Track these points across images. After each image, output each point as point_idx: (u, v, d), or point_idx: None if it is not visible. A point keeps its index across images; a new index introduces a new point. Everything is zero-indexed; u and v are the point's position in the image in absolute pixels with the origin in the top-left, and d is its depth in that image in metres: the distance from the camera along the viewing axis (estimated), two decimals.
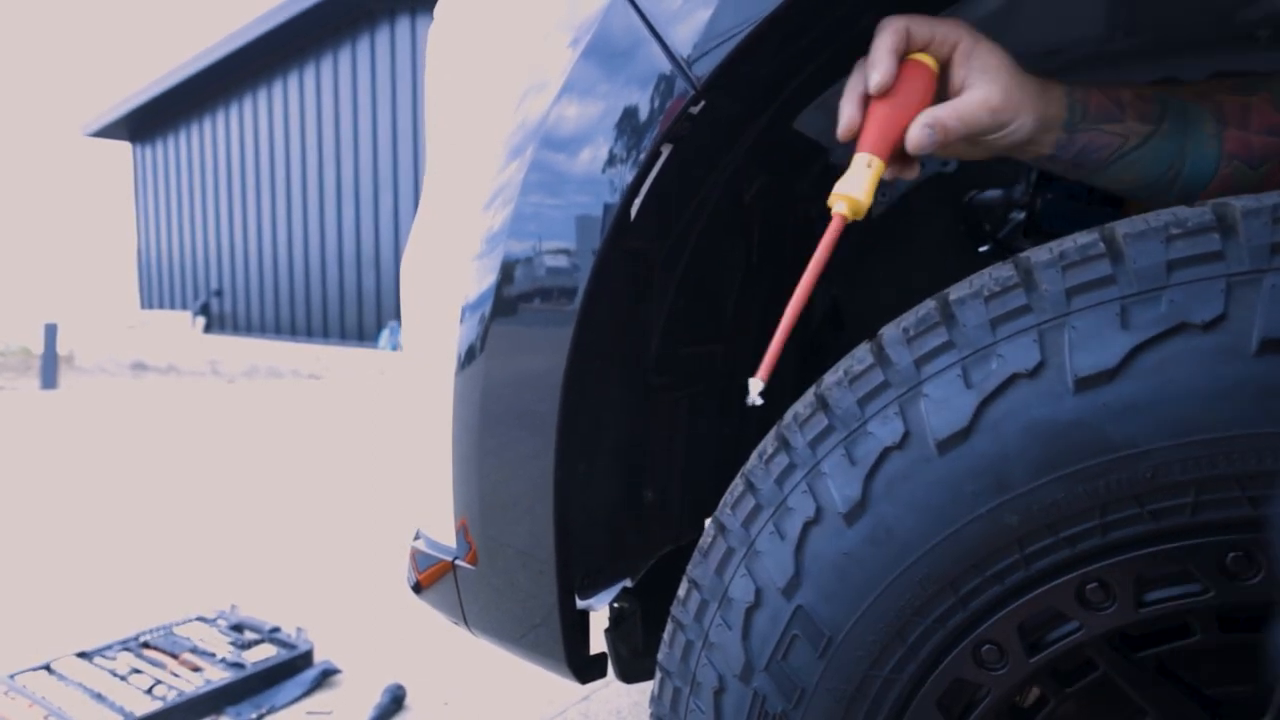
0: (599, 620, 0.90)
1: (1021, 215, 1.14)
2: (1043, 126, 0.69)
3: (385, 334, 9.82)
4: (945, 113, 0.67)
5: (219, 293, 12.91)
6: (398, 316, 9.94)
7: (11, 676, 1.84)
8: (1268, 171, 0.70)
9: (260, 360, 10.42)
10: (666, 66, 0.68)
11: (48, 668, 1.88)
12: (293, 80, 11.22)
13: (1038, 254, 0.57)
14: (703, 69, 0.66)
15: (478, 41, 0.87)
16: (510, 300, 0.79)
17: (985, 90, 0.67)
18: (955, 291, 0.60)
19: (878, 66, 0.66)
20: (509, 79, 0.81)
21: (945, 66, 0.69)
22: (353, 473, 4.11)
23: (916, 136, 0.67)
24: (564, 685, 1.81)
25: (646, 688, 1.78)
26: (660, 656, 0.72)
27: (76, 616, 2.27)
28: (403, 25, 9.90)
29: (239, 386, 8.69)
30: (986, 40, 0.69)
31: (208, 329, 12.73)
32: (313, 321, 11.34)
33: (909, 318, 0.61)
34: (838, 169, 1.01)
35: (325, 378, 9.27)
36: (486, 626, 0.91)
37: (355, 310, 10.72)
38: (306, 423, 5.87)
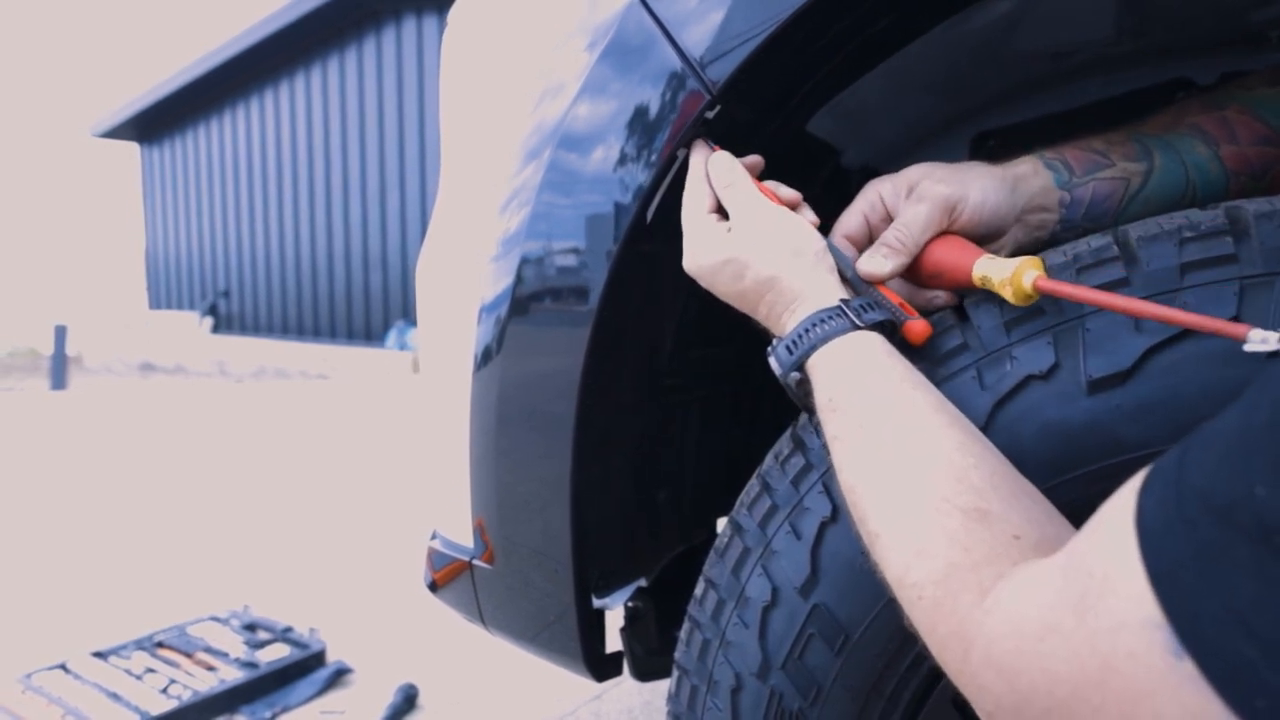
0: (613, 619, 0.91)
1: None
2: (1028, 191, 0.65)
3: (393, 334, 9.84)
4: (889, 233, 0.64)
5: (226, 293, 12.95)
6: (405, 316, 9.97)
7: (28, 676, 1.85)
8: (1273, 179, 0.70)
9: (268, 360, 10.46)
10: (683, 71, 0.68)
11: (63, 667, 1.90)
12: (300, 81, 11.25)
13: (1052, 257, 0.58)
14: (718, 73, 0.67)
15: (493, 45, 0.88)
16: (527, 301, 0.80)
17: (921, 192, 0.65)
18: (970, 293, 0.60)
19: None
20: (525, 82, 0.81)
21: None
22: (364, 473, 4.12)
23: (866, 266, 0.64)
24: (575, 684, 1.82)
25: (657, 687, 1.79)
26: (677, 655, 0.73)
27: (91, 616, 2.28)
28: (409, 26, 9.92)
29: (247, 387, 8.72)
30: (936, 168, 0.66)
31: (215, 329, 12.77)
32: (320, 321, 11.38)
33: None
34: (849, 172, 1.02)
35: (332, 377, 9.29)
36: (503, 625, 0.92)
37: (363, 310, 10.74)
38: (315, 423, 5.89)
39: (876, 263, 0.63)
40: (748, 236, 0.64)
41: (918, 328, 0.60)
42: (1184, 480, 0.33)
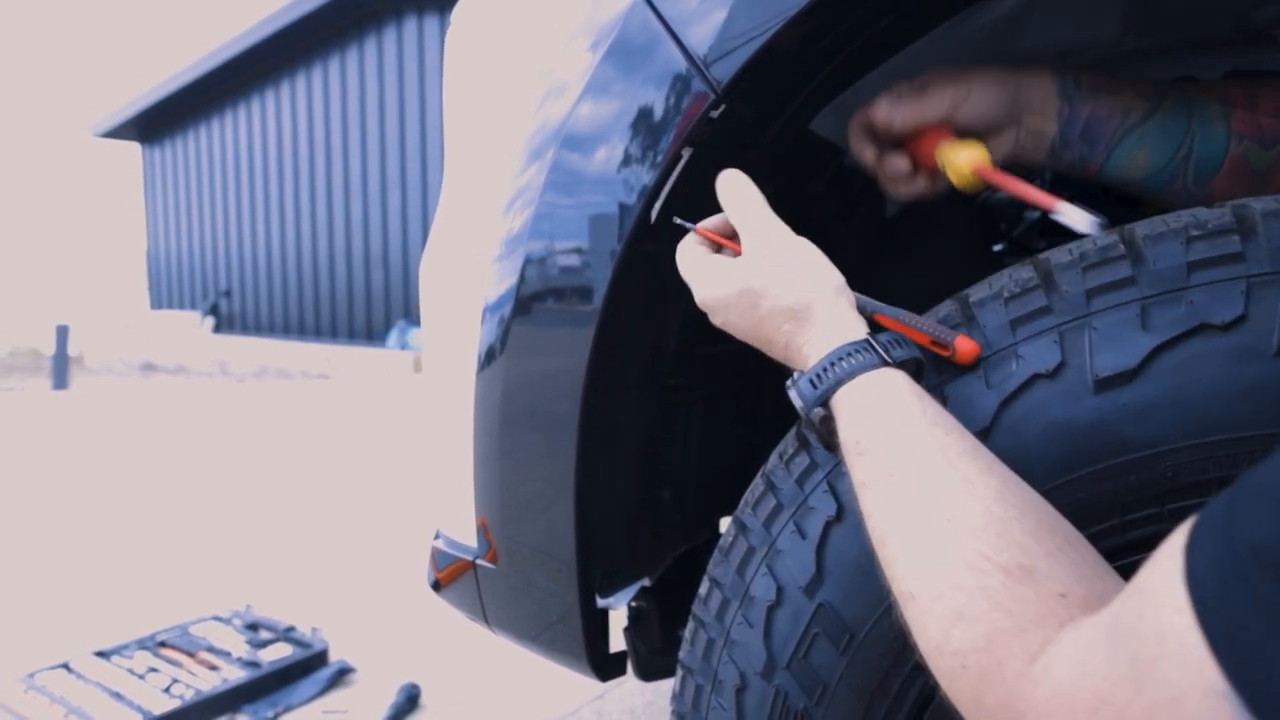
0: (616, 618, 0.91)
1: (1037, 214, 1.15)
2: (1029, 97, 0.72)
3: (394, 333, 9.84)
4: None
5: (228, 293, 12.96)
6: (406, 315, 9.97)
7: (31, 675, 1.85)
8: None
9: (269, 360, 10.46)
10: (687, 71, 0.68)
11: (66, 666, 1.90)
12: (300, 81, 11.25)
13: (1057, 255, 0.58)
14: (722, 72, 0.67)
15: (496, 45, 0.88)
16: (530, 301, 0.80)
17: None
18: (975, 293, 0.60)
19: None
20: (528, 82, 0.81)
21: None
22: (366, 472, 4.12)
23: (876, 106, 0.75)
24: (578, 684, 1.82)
25: (660, 686, 1.79)
26: (682, 654, 0.73)
27: (94, 616, 2.29)
28: (409, 26, 9.92)
29: (248, 386, 8.72)
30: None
31: (217, 329, 12.78)
32: (321, 321, 11.38)
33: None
34: (851, 171, 1.02)
35: (334, 377, 9.30)
36: (506, 624, 0.92)
37: (364, 310, 10.75)
38: (317, 423, 5.89)
39: (883, 105, 0.74)
40: (764, 263, 0.61)
41: (966, 348, 0.57)
42: (1235, 534, 0.31)
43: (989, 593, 0.41)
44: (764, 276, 0.60)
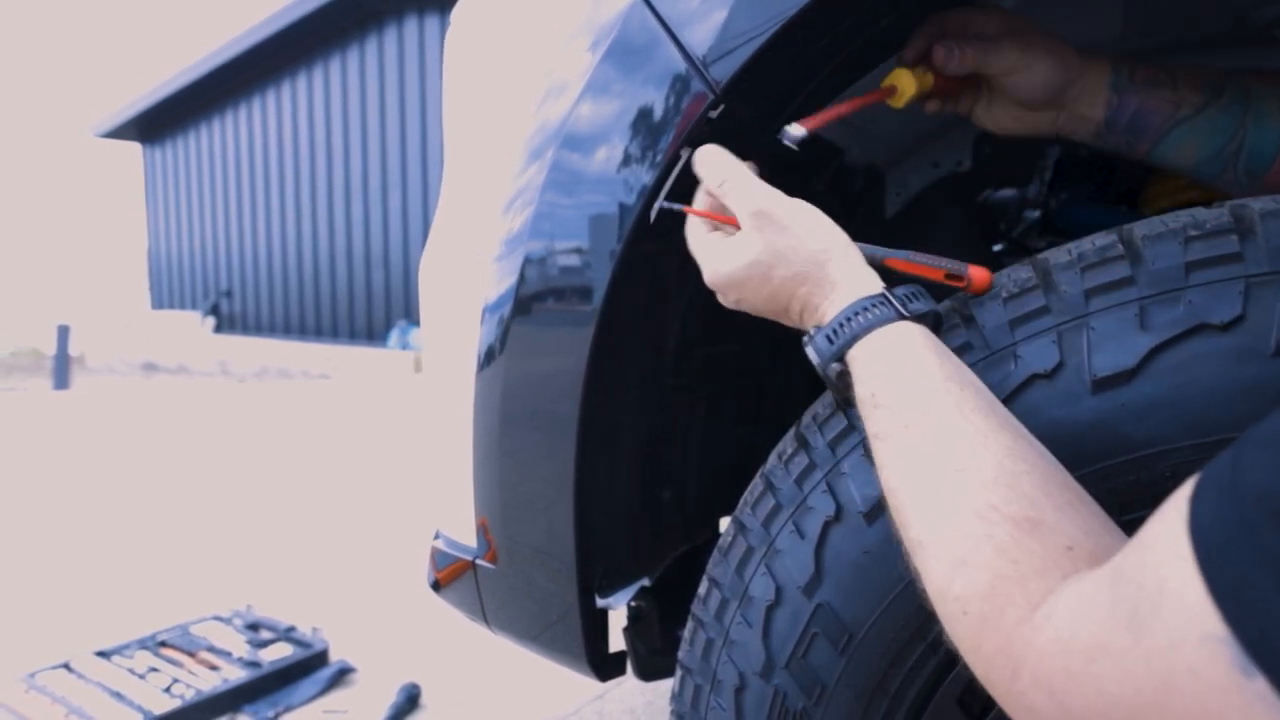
0: (616, 618, 0.91)
1: (1036, 214, 1.15)
2: (1080, 86, 0.72)
3: (395, 333, 9.84)
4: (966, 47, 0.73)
5: (229, 293, 12.97)
6: (407, 315, 9.97)
7: (31, 675, 1.86)
8: None
9: (270, 360, 10.47)
10: (687, 71, 0.68)
11: (67, 666, 1.90)
12: (301, 81, 11.25)
13: (1056, 255, 0.58)
14: (721, 72, 0.67)
15: (496, 45, 0.88)
16: (530, 301, 0.80)
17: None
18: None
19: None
20: (528, 82, 0.81)
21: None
22: (366, 472, 4.12)
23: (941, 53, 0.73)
24: (578, 684, 1.82)
25: (660, 686, 1.79)
26: (681, 654, 0.73)
27: (94, 616, 2.29)
28: (410, 25, 9.92)
29: (249, 386, 8.73)
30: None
31: (217, 329, 12.79)
32: (322, 321, 11.39)
33: None
34: (852, 171, 1.02)
35: (335, 377, 9.30)
36: (506, 624, 0.92)
37: (364, 309, 10.75)
38: (318, 423, 5.89)
39: (940, 54, 0.72)
40: (766, 233, 0.60)
41: (980, 276, 0.59)
42: (1240, 483, 0.31)
43: (995, 541, 0.41)
44: (769, 246, 0.60)
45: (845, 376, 0.56)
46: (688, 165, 0.69)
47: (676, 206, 0.69)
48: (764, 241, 0.60)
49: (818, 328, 0.57)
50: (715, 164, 0.65)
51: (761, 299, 0.61)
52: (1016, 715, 0.39)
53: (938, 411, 0.48)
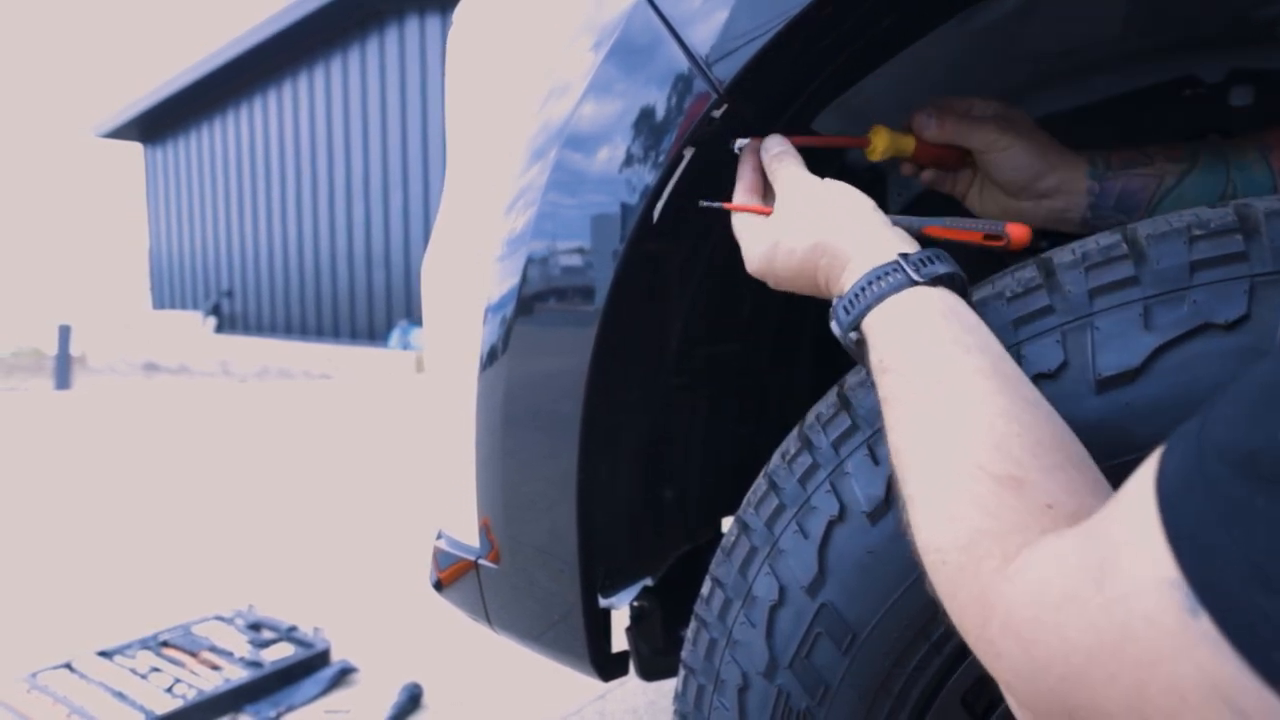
0: (618, 618, 0.91)
1: None
2: (1059, 173, 0.75)
3: (396, 333, 9.84)
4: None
5: (230, 293, 12.97)
6: (408, 315, 9.97)
7: (33, 675, 1.86)
8: None
9: (271, 360, 10.47)
10: (690, 71, 0.68)
11: (69, 666, 1.90)
12: (302, 81, 11.26)
13: (1060, 255, 0.58)
14: (725, 71, 0.67)
15: (499, 45, 0.88)
16: (532, 301, 0.80)
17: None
18: (977, 292, 0.60)
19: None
20: (531, 81, 0.81)
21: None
22: (368, 472, 4.12)
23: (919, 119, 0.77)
24: (580, 684, 1.82)
25: (662, 686, 1.79)
26: (684, 654, 0.73)
27: (96, 616, 2.29)
28: (411, 25, 9.92)
29: (250, 386, 8.73)
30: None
31: (219, 329, 12.79)
32: (323, 321, 11.39)
33: None
34: (854, 170, 1.02)
35: (336, 377, 9.30)
36: (509, 624, 0.92)
37: (365, 309, 10.76)
38: (319, 423, 5.89)
39: (921, 119, 0.76)
40: (791, 211, 0.64)
41: (1018, 232, 0.62)
42: (1204, 436, 0.32)
43: (978, 498, 0.43)
44: (793, 223, 0.63)
45: (864, 345, 0.57)
46: (690, 165, 0.69)
47: (715, 204, 0.71)
48: (788, 220, 0.64)
49: (838, 298, 0.59)
50: (775, 149, 0.69)
51: (792, 276, 0.64)
52: (986, 661, 0.40)
53: (940, 376, 0.50)
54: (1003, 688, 0.40)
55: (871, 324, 0.55)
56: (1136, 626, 0.31)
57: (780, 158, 0.68)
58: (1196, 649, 0.29)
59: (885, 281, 0.56)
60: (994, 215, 0.80)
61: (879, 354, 0.54)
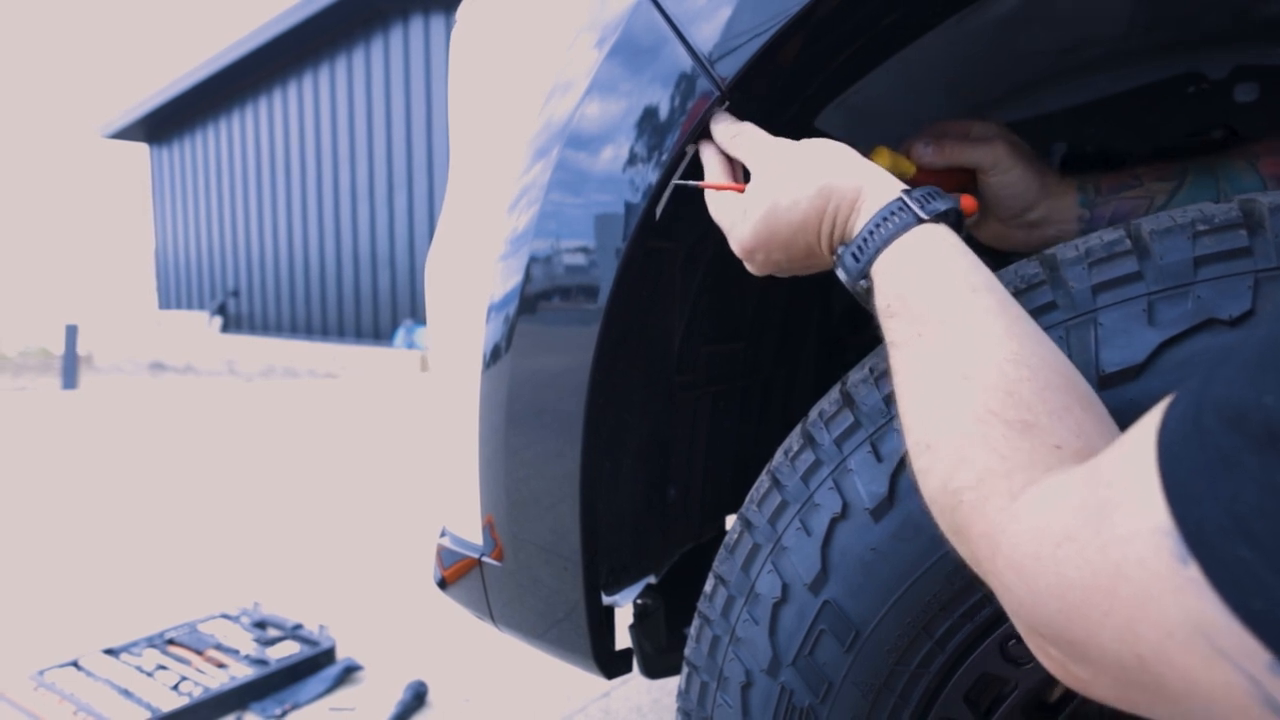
0: (622, 616, 0.91)
1: None
2: (1052, 202, 0.77)
3: (400, 332, 9.86)
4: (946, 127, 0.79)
5: (235, 293, 13.01)
6: (413, 315, 9.99)
7: (40, 673, 1.86)
8: None
9: (277, 360, 10.50)
10: (693, 69, 0.68)
11: (75, 664, 1.91)
12: (307, 81, 11.28)
13: (1063, 251, 0.57)
14: (727, 69, 0.67)
15: (502, 43, 0.88)
16: (536, 300, 0.80)
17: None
18: None
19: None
20: (534, 80, 0.81)
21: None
22: (373, 471, 4.13)
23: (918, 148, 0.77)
24: (584, 681, 1.82)
25: (666, 684, 1.79)
26: (687, 651, 0.73)
27: (103, 614, 2.30)
28: (416, 25, 9.94)
29: (256, 386, 8.75)
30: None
31: (224, 329, 12.82)
32: (328, 321, 11.41)
33: None
34: None
35: (341, 376, 9.32)
36: (512, 622, 0.92)
37: (370, 309, 10.77)
38: (324, 422, 5.91)
39: (918, 148, 0.76)
40: (778, 170, 0.61)
41: (968, 203, 0.64)
42: (1206, 392, 0.33)
43: (988, 440, 0.44)
44: (781, 185, 0.61)
45: (871, 291, 0.56)
46: (693, 162, 0.69)
47: (690, 184, 0.70)
48: (775, 184, 0.61)
49: (844, 245, 0.58)
50: (728, 128, 0.67)
51: (793, 230, 0.61)
52: (994, 589, 0.43)
53: (948, 318, 0.50)
54: (1010, 615, 0.42)
55: (880, 268, 0.54)
56: (1130, 569, 0.33)
57: (739, 135, 0.66)
58: (1184, 593, 0.31)
59: (892, 221, 0.55)
60: (992, 244, 0.81)
61: (887, 298, 0.53)
